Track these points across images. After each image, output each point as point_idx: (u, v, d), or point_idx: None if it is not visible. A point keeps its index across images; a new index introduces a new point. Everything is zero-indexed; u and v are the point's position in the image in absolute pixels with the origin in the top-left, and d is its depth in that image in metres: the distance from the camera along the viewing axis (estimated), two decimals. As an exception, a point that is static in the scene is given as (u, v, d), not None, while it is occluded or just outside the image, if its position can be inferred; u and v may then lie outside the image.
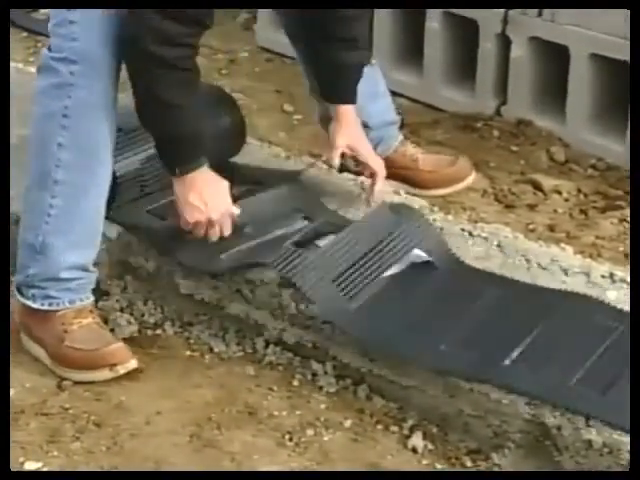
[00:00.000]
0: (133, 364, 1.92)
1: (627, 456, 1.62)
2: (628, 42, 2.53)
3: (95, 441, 1.79)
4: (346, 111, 2.14)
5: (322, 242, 2.04)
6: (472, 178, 2.48)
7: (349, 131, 2.14)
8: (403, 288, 1.98)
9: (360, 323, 1.89)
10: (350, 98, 2.14)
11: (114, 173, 2.10)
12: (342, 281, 1.95)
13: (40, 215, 1.92)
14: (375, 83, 2.33)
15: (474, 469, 1.74)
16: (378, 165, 2.16)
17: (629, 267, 2.15)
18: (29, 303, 1.95)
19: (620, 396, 1.69)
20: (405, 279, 1.99)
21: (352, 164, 2.20)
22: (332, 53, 2.09)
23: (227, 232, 2.00)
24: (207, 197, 1.95)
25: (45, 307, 1.95)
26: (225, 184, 2.00)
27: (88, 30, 1.86)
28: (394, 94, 2.54)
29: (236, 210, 2.01)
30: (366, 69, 2.18)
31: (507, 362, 1.78)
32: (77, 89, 1.88)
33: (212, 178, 1.97)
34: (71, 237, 1.93)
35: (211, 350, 2.01)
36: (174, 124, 1.89)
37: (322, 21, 2.06)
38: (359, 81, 2.15)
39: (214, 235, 1.99)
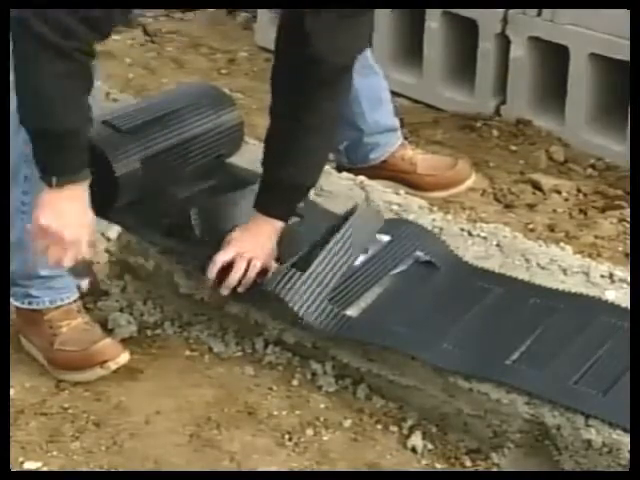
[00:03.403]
0: (124, 358, 1.91)
1: (627, 456, 1.62)
2: (627, 42, 2.53)
3: (95, 441, 1.79)
4: (268, 226, 1.92)
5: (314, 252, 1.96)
6: (472, 180, 2.48)
7: (255, 243, 1.92)
8: (404, 287, 1.98)
9: (360, 326, 1.89)
10: (285, 217, 1.93)
11: (113, 174, 2.10)
12: (337, 294, 1.93)
13: (16, 212, 1.90)
14: (378, 89, 2.32)
15: (473, 469, 1.74)
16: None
17: (629, 267, 2.16)
18: (12, 301, 1.95)
19: (621, 396, 1.69)
20: (406, 278, 2.00)
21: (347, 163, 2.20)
22: (286, 176, 1.88)
23: (78, 257, 1.77)
24: (69, 215, 1.74)
25: (25, 306, 1.95)
26: (90, 215, 1.79)
27: None
28: (394, 94, 2.54)
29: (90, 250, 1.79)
30: (370, 77, 2.16)
31: (508, 361, 1.79)
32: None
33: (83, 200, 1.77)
34: None
35: (210, 350, 2.01)
36: (55, 119, 1.69)
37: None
38: (298, 203, 1.96)
39: (61, 259, 1.75)
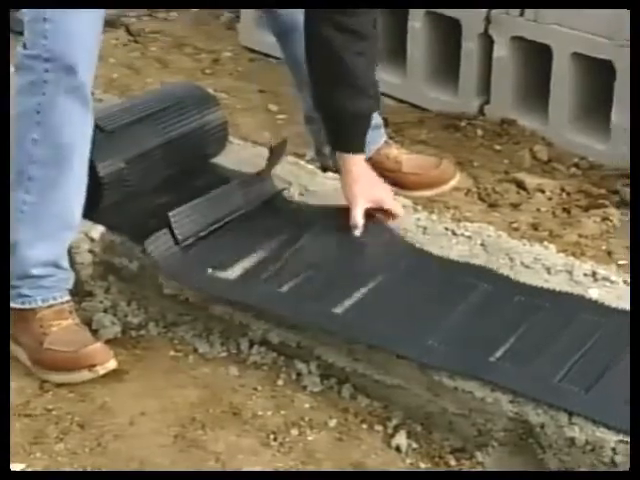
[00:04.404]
0: (112, 364, 1.91)
1: (610, 453, 1.63)
2: (610, 41, 2.54)
3: (79, 442, 1.79)
4: (357, 161, 2.07)
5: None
6: (456, 180, 2.48)
7: (365, 184, 2.07)
8: (387, 282, 1.98)
9: (347, 321, 1.90)
10: (359, 148, 2.07)
11: (97, 174, 2.10)
12: (325, 293, 1.94)
13: (16, 213, 1.91)
14: None
15: (458, 468, 1.75)
16: (398, 208, 2.12)
17: (612, 265, 2.17)
18: None
19: (604, 393, 1.70)
20: (394, 275, 2.00)
21: (332, 164, 2.20)
22: (339, 101, 2.01)
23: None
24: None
25: (18, 306, 1.94)
26: None
27: (60, 28, 1.85)
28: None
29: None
30: None
31: (492, 359, 1.79)
32: (50, 85, 1.87)
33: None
34: (39, 232, 1.92)
35: (195, 350, 2.00)
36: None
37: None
38: (367, 131, 2.08)
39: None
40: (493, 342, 1.82)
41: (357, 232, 2.06)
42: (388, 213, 2.11)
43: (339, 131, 2.06)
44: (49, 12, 1.84)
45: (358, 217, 2.06)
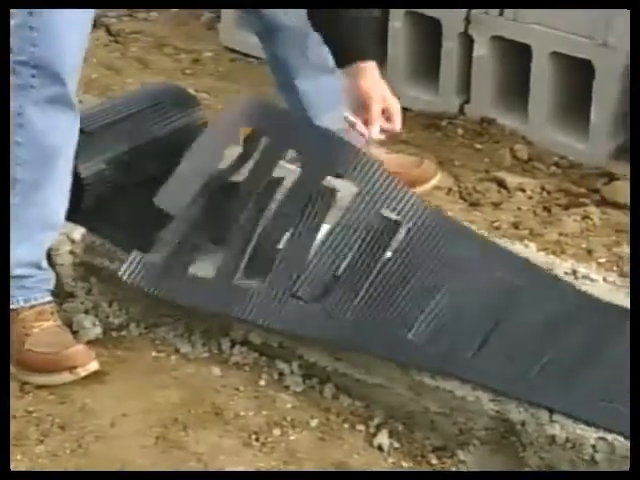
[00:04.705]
0: (94, 366, 1.91)
1: (590, 450, 1.64)
2: (589, 40, 2.56)
3: (59, 444, 1.78)
4: (367, 67, 2.01)
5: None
6: (437, 179, 2.49)
7: (380, 83, 2.04)
8: (367, 275, 1.96)
9: (321, 319, 1.89)
10: (370, 53, 2.03)
11: (78, 175, 2.09)
12: (331, 297, 1.91)
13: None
14: (336, 91, 2.31)
15: (440, 466, 1.75)
16: (399, 121, 2.09)
17: (592, 263, 2.18)
18: None
19: (582, 387, 1.71)
20: (371, 265, 1.97)
21: None
22: (343, 14, 1.96)
23: None
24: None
25: None
26: None
27: (48, 37, 1.86)
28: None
29: None
30: (328, 77, 2.16)
31: (469, 354, 1.80)
32: (35, 90, 1.88)
33: None
34: (22, 233, 1.92)
35: (177, 351, 2.00)
36: None
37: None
38: (371, 36, 2.05)
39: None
40: (472, 337, 1.82)
41: (374, 131, 2.02)
42: (389, 116, 2.05)
43: (345, 41, 2.00)
44: (36, 21, 1.85)
45: (378, 115, 2.02)
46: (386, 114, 2.03)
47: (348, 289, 1.91)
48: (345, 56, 2.01)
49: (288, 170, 2.08)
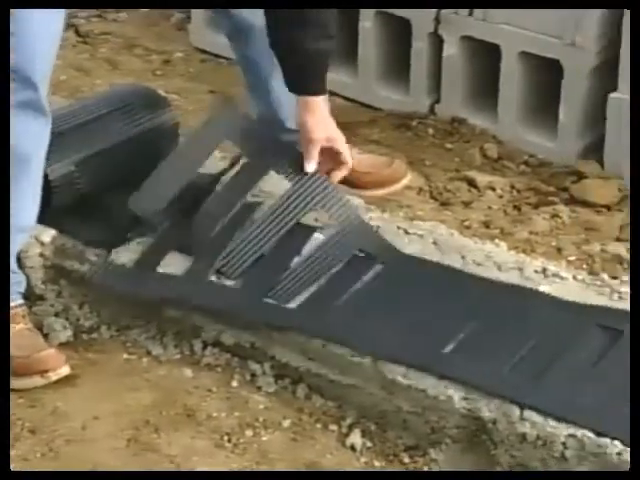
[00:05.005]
0: (65, 370, 1.90)
1: (560, 448, 1.65)
2: (558, 40, 2.57)
3: (30, 448, 1.77)
4: (317, 102, 2.07)
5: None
6: (408, 179, 2.49)
7: (324, 123, 2.08)
8: (344, 279, 1.99)
9: (300, 316, 1.90)
10: (322, 89, 2.08)
11: (47, 177, 2.08)
12: (277, 291, 1.95)
13: None
14: None
15: (412, 465, 1.76)
16: (349, 157, 2.14)
17: (562, 262, 2.19)
18: None
19: (553, 383, 1.72)
20: (347, 270, 2.00)
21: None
22: (300, 42, 2.01)
23: None
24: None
25: None
26: None
27: (21, 43, 1.85)
28: (330, 93, 2.54)
29: None
30: None
31: (446, 350, 1.81)
32: (10, 92, 1.86)
33: None
34: None
35: (148, 353, 1.99)
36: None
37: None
38: (327, 70, 2.09)
39: None
40: (447, 334, 1.83)
41: (310, 167, 2.08)
42: (337, 158, 2.11)
43: (301, 73, 2.05)
44: (13, 26, 1.84)
45: (314, 152, 2.08)
46: (332, 153, 2.09)
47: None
48: (297, 86, 2.07)
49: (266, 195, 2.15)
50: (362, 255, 2.06)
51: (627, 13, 2.45)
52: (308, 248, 2.06)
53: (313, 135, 2.06)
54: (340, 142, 2.10)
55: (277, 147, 2.16)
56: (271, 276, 1.99)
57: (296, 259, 2.03)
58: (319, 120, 2.07)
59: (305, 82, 2.07)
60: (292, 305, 1.93)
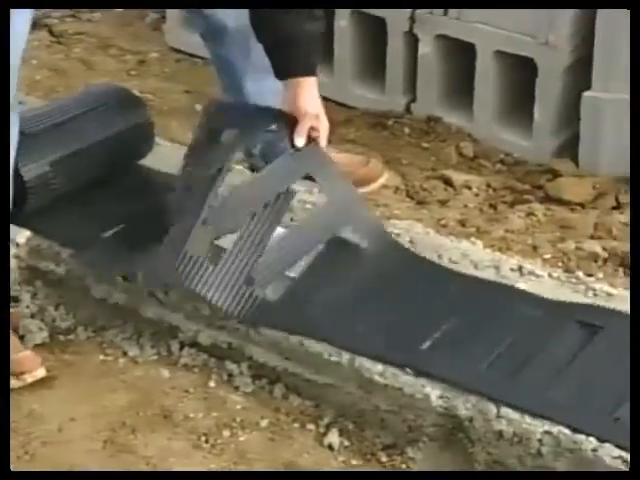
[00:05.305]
0: (41, 373, 1.89)
1: (536, 444, 1.66)
2: (532, 39, 2.58)
3: (6, 450, 1.76)
4: (309, 80, 2.05)
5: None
6: (384, 178, 2.50)
7: (317, 100, 2.07)
8: (324, 268, 1.98)
9: (277, 311, 1.90)
10: (313, 69, 2.06)
11: (21, 178, 2.07)
12: (255, 274, 1.92)
13: None
14: (278, 93, 2.31)
15: (389, 464, 1.76)
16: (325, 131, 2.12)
17: (537, 260, 2.20)
18: None
19: (530, 380, 1.73)
20: (327, 258, 2.00)
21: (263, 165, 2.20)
22: (289, 23, 1.97)
23: None
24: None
25: None
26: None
27: None
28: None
29: None
30: (271, 78, 2.17)
31: (424, 347, 1.81)
32: None
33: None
34: None
35: (125, 354, 1.99)
36: None
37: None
38: (317, 52, 2.08)
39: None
40: (426, 330, 1.84)
41: (300, 142, 2.06)
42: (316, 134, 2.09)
43: (292, 56, 2.02)
44: None
45: (305, 128, 2.05)
46: (314, 132, 2.08)
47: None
48: (287, 70, 2.04)
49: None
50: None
51: (600, 12, 2.47)
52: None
53: (306, 110, 2.04)
54: (325, 123, 2.08)
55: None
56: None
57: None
58: (312, 96, 2.05)
59: (296, 64, 2.03)
60: (270, 295, 1.91)
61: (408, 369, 1.77)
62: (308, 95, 2.04)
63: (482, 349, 1.81)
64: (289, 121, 2.06)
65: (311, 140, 2.06)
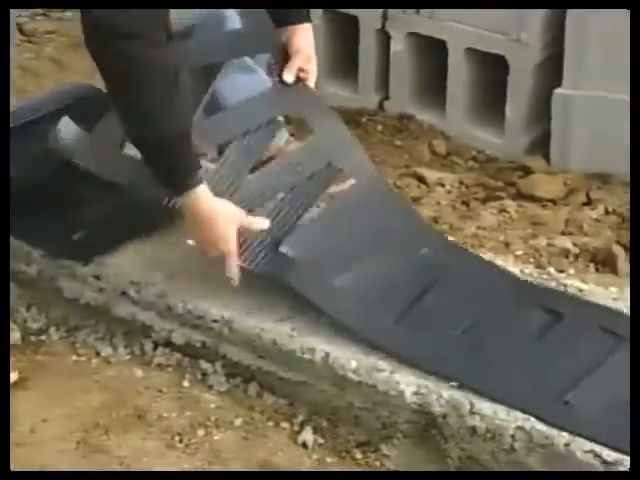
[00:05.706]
0: (14, 376, 1.88)
1: (509, 440, 1.67)
2: (503, 37, 2.60)
3: (-23, 452, 1.75)
4: (305, 25, 2.09)
5: None
6: None
7: (311, 43, 2.10)
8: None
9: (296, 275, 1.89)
10: (307, 16, 2.10)
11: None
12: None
13: None
14: (253, 89, 2.31)
15: (364, 461, 1.76)
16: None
17: (509, 256, 2.21)
18: None
19: (488, 359, 1.75)
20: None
21: None
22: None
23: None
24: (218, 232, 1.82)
25: None
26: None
27: None
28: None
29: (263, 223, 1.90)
30: (245, 75, 2.17)
31: (390, 322, 1.82)
32: None
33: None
34: None
35: (98, 354, 1.98)
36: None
37: None
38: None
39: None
40: (395, 305, 1.85)
41: (289, 78, 2.07)
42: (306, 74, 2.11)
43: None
44: None
45: (296, 65, 2.07)
46: (303, 74, 2.10)
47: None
48: (285, 17, 2.08)
49: None
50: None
51: (570, 11, 2.49)
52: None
53: (299, 48, 2.07)
54: (314, 66, 2.11)
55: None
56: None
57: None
58: (307, 39, 2.09)
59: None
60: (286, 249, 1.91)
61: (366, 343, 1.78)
62: (303, 37, 2.08)
63: (447, 328, 1.82)
64: (282, 57, 2.08)
65: (299, 81, 2.08)
